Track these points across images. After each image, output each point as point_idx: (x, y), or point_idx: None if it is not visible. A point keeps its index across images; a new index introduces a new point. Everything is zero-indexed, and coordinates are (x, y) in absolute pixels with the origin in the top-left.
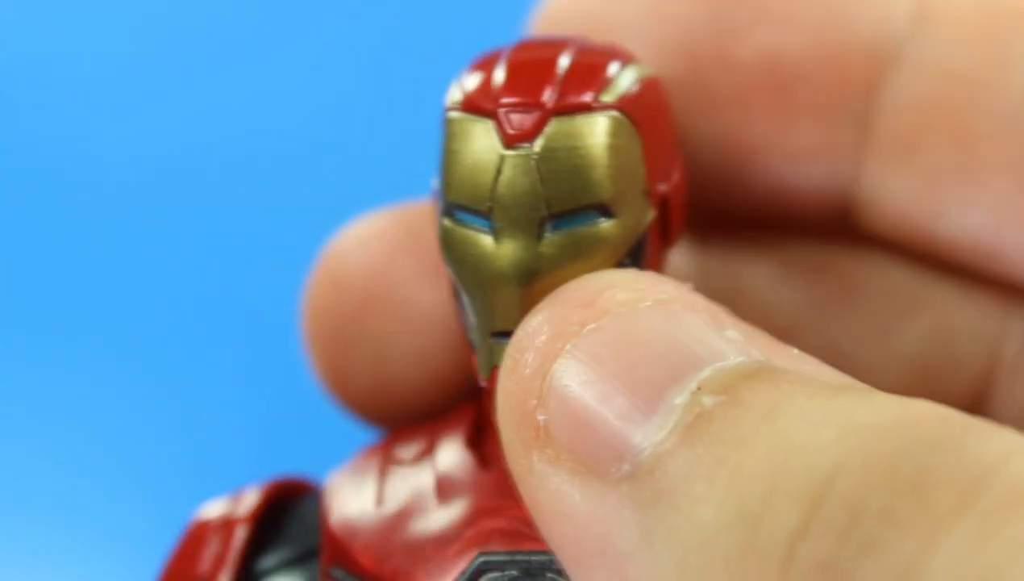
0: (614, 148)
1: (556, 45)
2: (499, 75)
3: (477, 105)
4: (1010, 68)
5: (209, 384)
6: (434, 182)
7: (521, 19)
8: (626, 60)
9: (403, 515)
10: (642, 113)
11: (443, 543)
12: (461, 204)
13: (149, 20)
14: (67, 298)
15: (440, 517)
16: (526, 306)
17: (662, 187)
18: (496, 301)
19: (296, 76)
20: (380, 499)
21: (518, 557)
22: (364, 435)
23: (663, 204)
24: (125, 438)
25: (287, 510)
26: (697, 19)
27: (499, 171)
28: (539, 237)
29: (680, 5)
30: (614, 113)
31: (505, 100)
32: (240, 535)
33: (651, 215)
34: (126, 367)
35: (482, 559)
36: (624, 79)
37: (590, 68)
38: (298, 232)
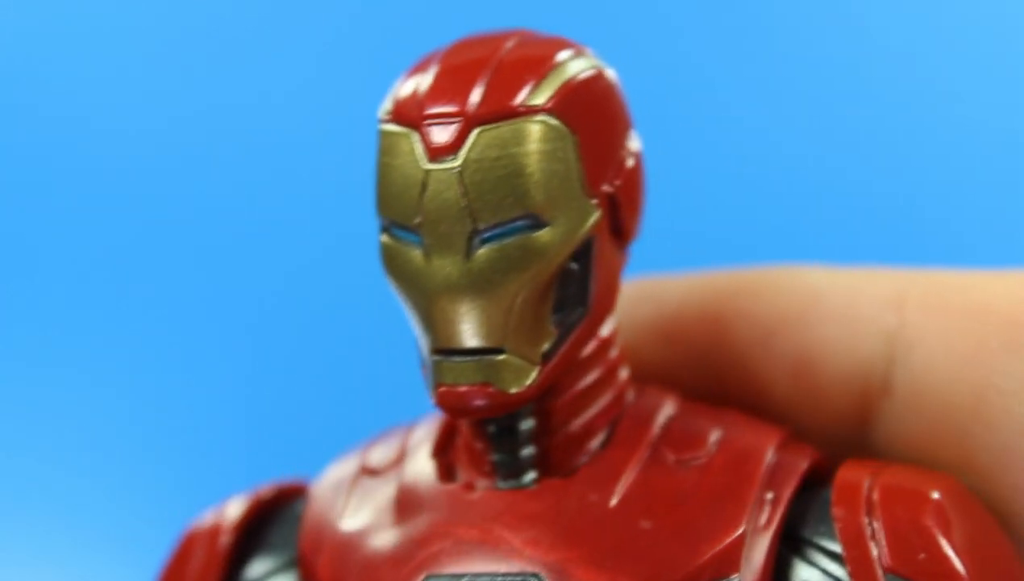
0: (543, 154)
1: (494, 42)
2: (427, 81)
3: (403, 116)
4: (1004, 397)
5: (209, 387)
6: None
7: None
8: (568, 53)
9: (364, 532)
10: (578, 111)
11: (396, 563)
12: (393, 220)
13: (152, 25)
14: (69, 302)
15: (396, 536)
16: (465, 322)
17: (607, 186)
18: (435, 318)
19: (295, 82)
20: (346, 512)
21: (464, 579)
22: (361, 433)
23: (611, 203)
24: (126, 441)
25: (276, 515)
26: (688, 368)
27: (424, 186)
28: (468, 253)
29: (666, 352)
30: (542, 117)
31: (429, 110)
32: (224, 544)
33: (595, 216)
34: (127, 371)
35: None
36: (558, 76)
37: (522, 67)
38: (296, 238)
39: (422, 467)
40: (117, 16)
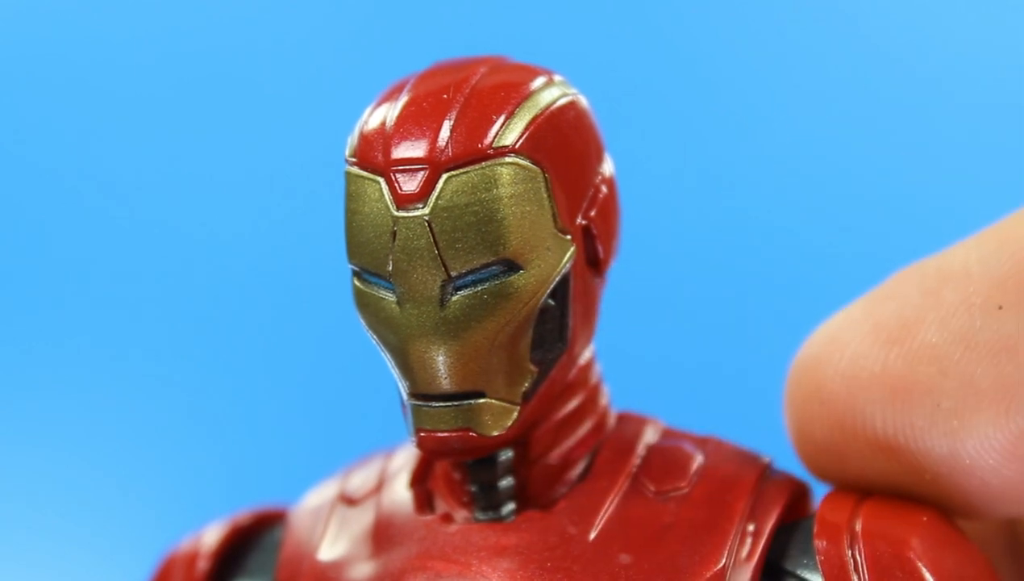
0: (514, 197)
1: (462, 72)
2: (391, 121)
3: (369, 161)
4: None
5: (206, 401)
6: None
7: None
8: (538, 83)
9: (341, 563)
10: (549, 146)
11: None
12: (362, 267)
13: (153, 26)
14: (68, 315)
15: (373, 569)
16: (442, 368)
17: (582, 220)
18: (411, 365)
19: (298, 88)
20: (325, 542)
21: None
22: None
23: (586, 235)
24: (124, 449)
25: (254, 541)
26: None
27: (394, 234)
28: (443, 302)
29: None
30: (512, 158)
31: (395, 155)
32: (201, 570)
33: (570, 252)
34: (126, 381)
35: None
36: (528, 111)
37: (491, 103)
38: (296, 252)
39: (400, 497)
40: (117, 18)
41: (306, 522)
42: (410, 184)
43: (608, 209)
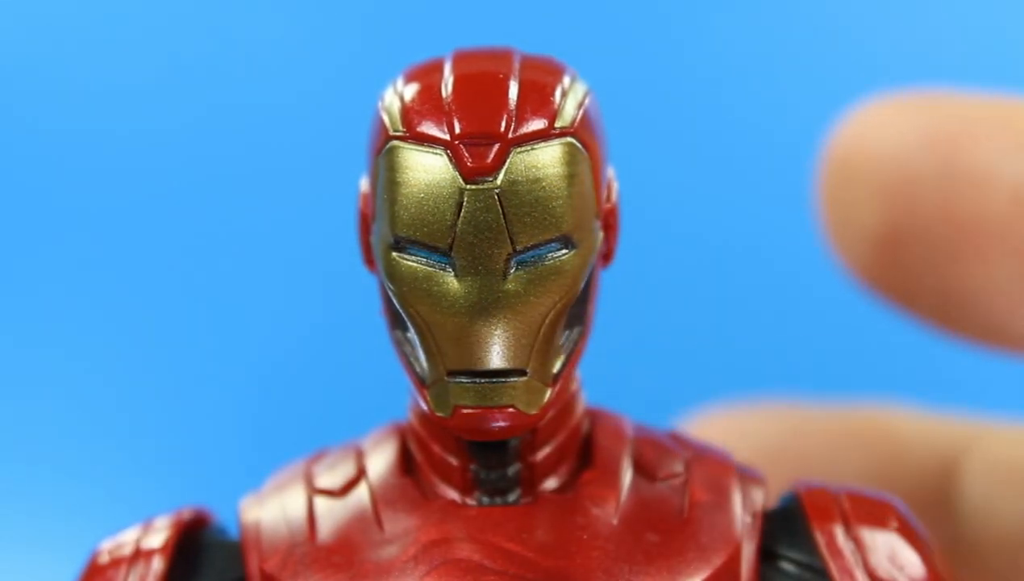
0: (572, 177)
1: (499, 59)
2: (447, 99)
3: (429, 135)
4: None
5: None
6: (363, 201)
7: None
8: (571, 74)
9: (351, 546)
10: (589, 133)
11: (401, 576)
12: (414, 239)
13: (152, 26)
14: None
15: (391, 550)
16: (496, 343)
17: (606, 205)
18: (462, 339)
19: (290, 83)
20: (320, 533)
21: None
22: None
23: (605, 224)
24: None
25: (193, 540)
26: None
27: (459, 206)
28: (504, 274)
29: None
30: (568, 140)
31: (463, 130)
32: (157, 567)
33: (600, 237)
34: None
35: None
36: (572, 99)
37: (541, 88)
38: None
39: (392, 484)
40: (117, 17)
41: (276, 519)
42: (481, 157)
43: (617, 201)
